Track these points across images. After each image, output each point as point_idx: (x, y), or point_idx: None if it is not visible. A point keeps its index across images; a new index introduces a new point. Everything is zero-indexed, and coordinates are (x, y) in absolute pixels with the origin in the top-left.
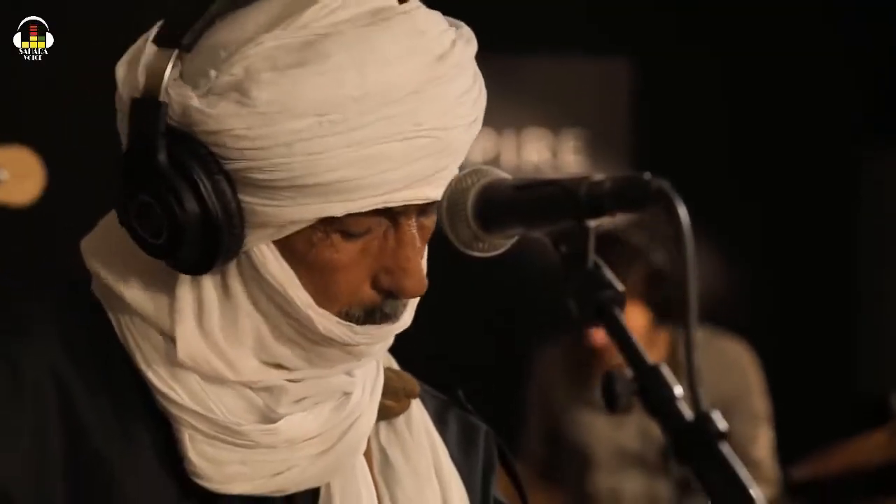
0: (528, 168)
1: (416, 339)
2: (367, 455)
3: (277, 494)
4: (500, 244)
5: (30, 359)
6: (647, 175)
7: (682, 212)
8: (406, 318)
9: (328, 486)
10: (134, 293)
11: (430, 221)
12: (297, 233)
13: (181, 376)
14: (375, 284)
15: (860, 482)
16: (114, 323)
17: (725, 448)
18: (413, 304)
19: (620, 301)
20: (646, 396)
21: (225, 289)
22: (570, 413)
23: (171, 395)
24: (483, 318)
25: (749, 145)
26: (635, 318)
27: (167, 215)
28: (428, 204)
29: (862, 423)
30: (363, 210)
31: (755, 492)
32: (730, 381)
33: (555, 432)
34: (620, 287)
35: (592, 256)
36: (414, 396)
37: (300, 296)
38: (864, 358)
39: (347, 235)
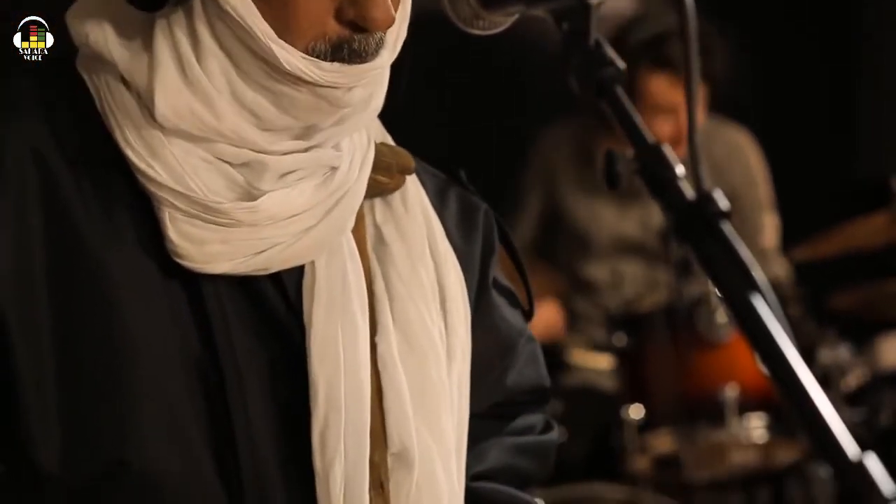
0: None
1: (415, 120)
2: (362, 233)
3: (260, 273)
4: (501, 22)
5: (12, 135)
6: None
7: None
8: (383, 60)
9: (313, 263)
10: (117, 51)
11: None
12: None
13: (160, 152)
14: (340, 17)
15: (859, 264)
16: (95, 99)
17: (727, 227)
18: (392, 44)
19: (622, 78)
20: (647, 175)
21: (192, 35)
22: (571, 197)
23: (150, 172)
24: (484, 99)
25: None
26: None
27: None
28: None
29: (862, 205)
30: None
31: (756, 271)
32: (734, 171)
33: (553, 216)
34: (622, 64)
35: (594, 34)
36: (409, 172)
37: (260, 26)
38: (864, 140)
39: None
